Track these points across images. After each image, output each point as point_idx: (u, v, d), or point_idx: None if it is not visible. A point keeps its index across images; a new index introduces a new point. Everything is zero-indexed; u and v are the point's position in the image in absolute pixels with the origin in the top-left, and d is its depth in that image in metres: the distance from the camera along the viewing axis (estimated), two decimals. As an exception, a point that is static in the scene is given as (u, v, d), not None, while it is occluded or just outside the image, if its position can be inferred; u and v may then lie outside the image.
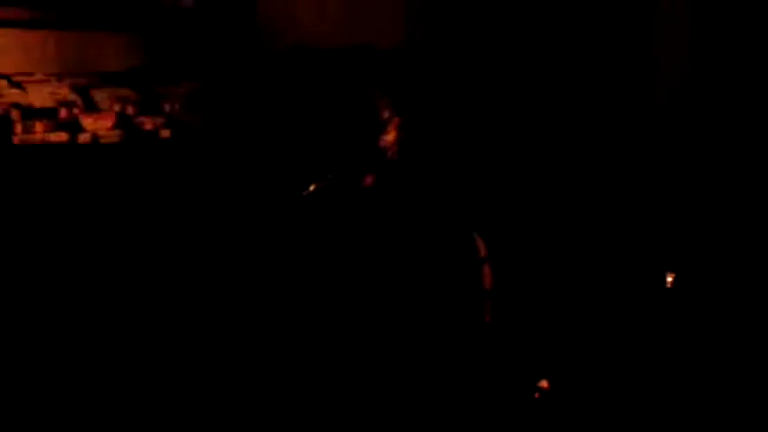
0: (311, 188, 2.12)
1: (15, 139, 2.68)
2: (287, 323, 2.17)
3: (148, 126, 3.01)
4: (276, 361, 2.21)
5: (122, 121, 2.95)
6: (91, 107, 2.99)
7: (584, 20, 3.91)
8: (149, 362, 2.86)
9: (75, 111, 2.89)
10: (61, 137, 2.79)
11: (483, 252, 2.19)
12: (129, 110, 2.98)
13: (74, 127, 2.83)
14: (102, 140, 2.89)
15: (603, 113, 4.05)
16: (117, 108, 2.98)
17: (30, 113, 2.77)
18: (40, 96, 2.89)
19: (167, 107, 3.08)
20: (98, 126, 2.90)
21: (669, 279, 3.28)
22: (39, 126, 2.75)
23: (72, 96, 2.98)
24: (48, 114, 2.80)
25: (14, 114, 2.71)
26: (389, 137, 2.13)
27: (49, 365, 2.71)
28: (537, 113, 3.97)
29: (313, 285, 2.15)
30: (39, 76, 2.98)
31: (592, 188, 3.94)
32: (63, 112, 2.84)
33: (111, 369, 2.78)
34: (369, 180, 2.13)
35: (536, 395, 2.55)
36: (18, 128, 2.69)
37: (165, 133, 3.04)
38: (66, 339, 2.78)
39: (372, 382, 2.10)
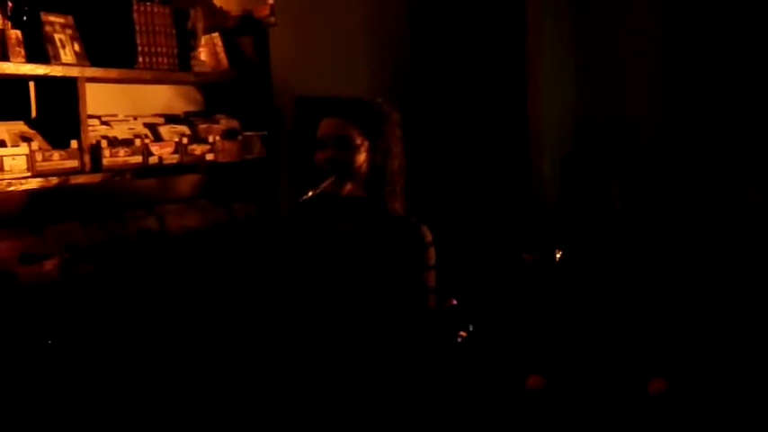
0: (309, 194, 2.53)
1: (104, 161, 3.04)
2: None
3: (197, 152, 3.42)
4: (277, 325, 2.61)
5: (179, 148, 3.34)
6: (158, 138, 3.38)
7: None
8: (150, 358, 2.99)
9: (147, 141, 3.23)
10: (137, 159, 3.16)
11: (429, 238, 2.62)
12: (184, 140, 3.37)
13: (145, 153, 3.21)
14: (165, 162, 3.27)
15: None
16: (176, 139, 3.37)
17: (114, 143, 3.13)
18: (121, 131, 3.27)
19: (210, 138, 3.50)
20: (163, 152, 3.26)
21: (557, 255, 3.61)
22: (121, 152, 3.11)
23: (144, 131, 3.37)
24: (127, 143, 3.15)
25: (103, 143, 3.05)
26: (361, 156, 2.58)
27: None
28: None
29: (309, 263, 2.58)
30: (120, 117, 3.35)
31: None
32: (138, 142, 3.18)
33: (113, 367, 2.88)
34: (348, 188, 2.58)
35: (459, 339, 2.70)
36: (106, 153, 3.05)
37: (210, 156, 3.46)
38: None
39: (351, 324, 2.52)
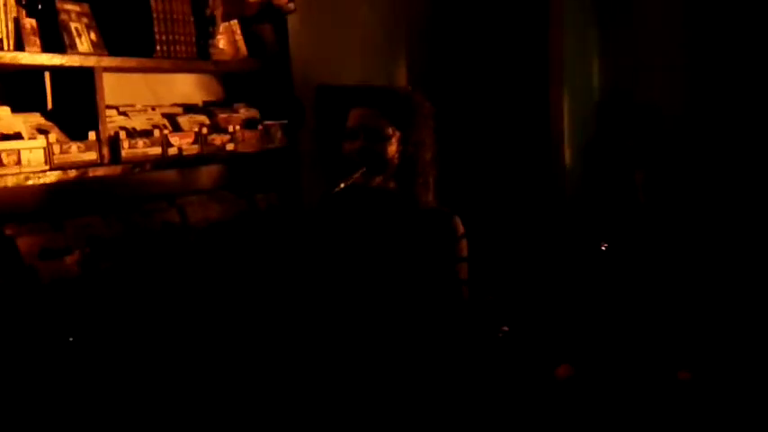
0: (340, 186, 2.52)
1: (123, 153, 2.99)
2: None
3: (217, 142, 3.38)
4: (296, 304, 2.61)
5: (199, 139, 3.30)
6: (177, 128, 3.33)
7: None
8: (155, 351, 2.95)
9: (166, 131, 3.18)
10: (156, 150, 3.12)
11: (461, 230, 2.61)
12: (204, 130, 3.32)
13: (165, 143, 3.16)
14: (184, 153, 3.23)
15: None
16: (195, 129, 3.32)
17: (133, 134, 3.07)
18: (139, 121, 3.21)
19: (230, 128, 3.44)
20: (182, 142, 3.22)
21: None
22: (140, 143, 3.07)
23: (163, 121, 3.31)
24: (146, 134, 3.10)
25: (122, 135, 2.99)
26: (392, 147, 2.59)
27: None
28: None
29: (337, 253, 2.57)
30: (138, 107, 3.29)
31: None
32: (157, 133, 3.14)
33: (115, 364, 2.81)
34: (378, 179, 2.59)
35: (499, 334, 2.88)
36: (125, 144, 3.00)
37: (230, 146, 3.41)
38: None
39: (375, 314, 2.50)
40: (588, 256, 3.79)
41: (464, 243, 2.60)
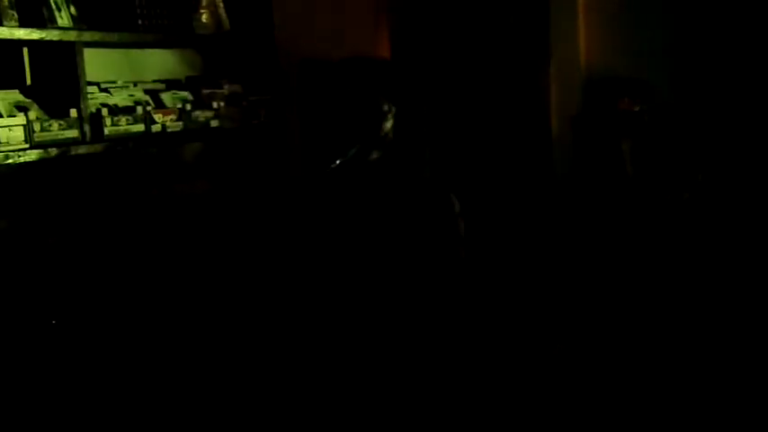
0: (337, 162, 2.54)
1: (106, 131, 2.95)
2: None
3: (201, 118, 3.34)
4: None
5: (183, 115, 3.27)
6: (160, 105, 3.29)
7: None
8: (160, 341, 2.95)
9: (149, 108, 3.16)
10: (139, 127, 3.08)
11: (458, 207, 2.60)
12: (188, 107, 3.29)
13: (148, 120, 3.13)
14: (168, 130, 3.19)
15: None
16: (179, 105, 3.29)
17: (115, 111, 3.05)
18: (121, 98, 3.17)
19: (214, 104, 3.42)
20: (165, 119, 3.19)
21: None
22: (123, 120, 3.02)
23: (145, 98, 3.28)
24: (128, 111, 3.08)
25: (104, 112, 2.96)
26: (388, 124, 2.58)
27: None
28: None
29: (333, 230, 2.57)
30: (120, 83, 3.25)
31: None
32: (139, 110, 3.11)
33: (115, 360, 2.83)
34: (374, 156, 2.58)
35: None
36: (107, 122, 2.96)
37: (214, 123, 3.39)
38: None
39: (375, 296, 2.51)
40: (575, 229, 3.73)
41: (461, 222, 2.60)
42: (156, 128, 3.16)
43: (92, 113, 2.95)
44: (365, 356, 2.48)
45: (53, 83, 2.91)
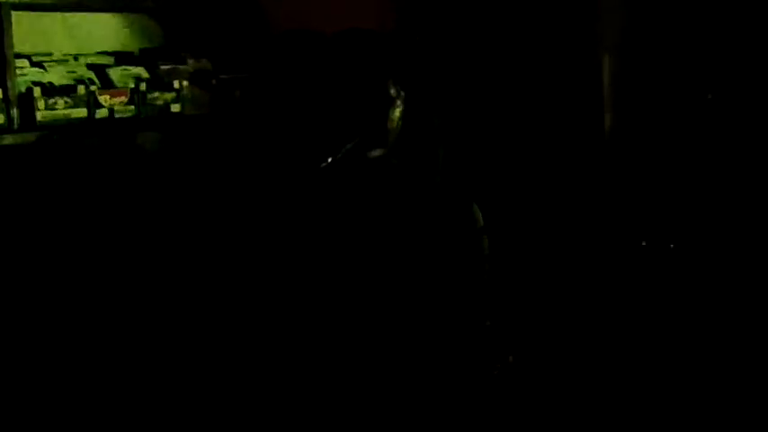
0: (328, 161, 2.23)
1: (38, 115, 2.76)
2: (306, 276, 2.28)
3: (159, 102, 3.12)
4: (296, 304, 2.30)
5: (136, 97, 3.06)
6: (107, 84, 3.06)
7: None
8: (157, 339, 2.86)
9: (93, 88, 2.96)
10: (81, 112, 2.89)
11: (481, 221, 2.29)
12: (142, 86, 3.07)
13: (92, 103, 2.92)
14: (117, 115, 2.99)
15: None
16: (131, 85, 3.07)
17: (50, 91, 2.84)
18: (59, 75, 2.95)
19: (176, 84, 3.18)
20: (114, 102, 3.00)
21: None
22: (60, 102, 2.84)
23: (89, 74, 3.04)
24: (67, 92, 2.87)
25: (36, 92, 2.78)
26: (397, 111, 2.27)
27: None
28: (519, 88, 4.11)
29: (328, 248, 2.27)
30: (57, 56, 3.03)
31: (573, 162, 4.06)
32: (81, 90, 2.90)
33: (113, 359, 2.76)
34: (376, 153, 2.26)
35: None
36: (40, 104, 2.78)
37: (175, 108, 3.15)
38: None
39: (386, 324, 2.21)
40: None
41: (486, 240, 2.31)
42: (101, 113, 2.97)
43: (21, 93, 2.78)
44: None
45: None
